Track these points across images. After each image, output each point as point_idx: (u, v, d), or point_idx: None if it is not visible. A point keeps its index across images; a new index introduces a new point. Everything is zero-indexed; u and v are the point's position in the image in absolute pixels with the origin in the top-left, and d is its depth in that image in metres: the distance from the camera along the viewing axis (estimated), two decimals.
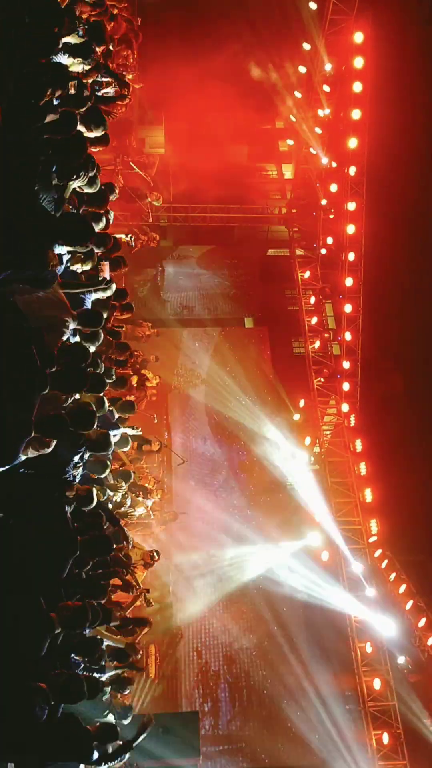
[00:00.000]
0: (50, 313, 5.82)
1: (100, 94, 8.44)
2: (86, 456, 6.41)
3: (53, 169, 5.65)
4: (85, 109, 6.66)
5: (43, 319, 5.56)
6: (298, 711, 16.13)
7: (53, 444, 5.15)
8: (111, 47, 9.73)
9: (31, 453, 4.98)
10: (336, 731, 15.70)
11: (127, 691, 7.97)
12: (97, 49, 6.96)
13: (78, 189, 6.63)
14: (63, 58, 6.41)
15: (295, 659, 16.54)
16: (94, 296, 7.08)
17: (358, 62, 16.73)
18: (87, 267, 6.68)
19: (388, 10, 16.90)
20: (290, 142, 20.80)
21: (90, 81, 7.45)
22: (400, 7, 16.69)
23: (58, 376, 5.14)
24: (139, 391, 12.75)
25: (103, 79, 8.15)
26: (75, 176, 6.02)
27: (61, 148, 5.72)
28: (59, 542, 5.74)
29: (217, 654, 16.63)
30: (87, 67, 6.73)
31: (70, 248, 5.87)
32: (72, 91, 6.41)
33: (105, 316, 7.32)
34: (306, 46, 17.90)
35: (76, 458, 6.16)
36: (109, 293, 7.32)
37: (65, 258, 6.17)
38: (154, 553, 11.26)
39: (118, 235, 11.59)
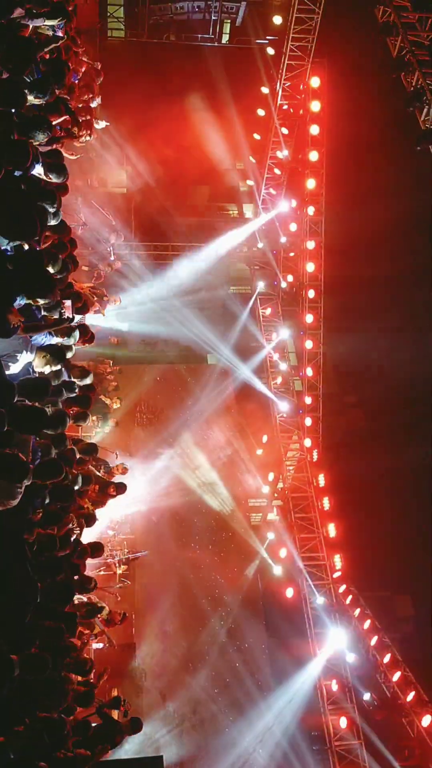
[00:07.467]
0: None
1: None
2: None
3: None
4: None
5: None
6: (265, 752, 15.85)
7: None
8: (73, 84, 9.87)
9: None
10: None
11: None
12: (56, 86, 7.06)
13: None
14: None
15: (262, 701, 16.32)
16: (55, 339, 7.00)
17: (315, 106, 17.30)
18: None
19: (343, 56, 17.50)
20: (250, 182, 21.17)
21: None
22: (355, 53, 17.29)
23: None
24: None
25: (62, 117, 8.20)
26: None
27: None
28: (20, 588, 5.59)
29: (183, 696, 16.29)
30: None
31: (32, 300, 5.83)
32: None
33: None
34: (264, 90, 18.45)
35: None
36: (73, 339, 7.35)
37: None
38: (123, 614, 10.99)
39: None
